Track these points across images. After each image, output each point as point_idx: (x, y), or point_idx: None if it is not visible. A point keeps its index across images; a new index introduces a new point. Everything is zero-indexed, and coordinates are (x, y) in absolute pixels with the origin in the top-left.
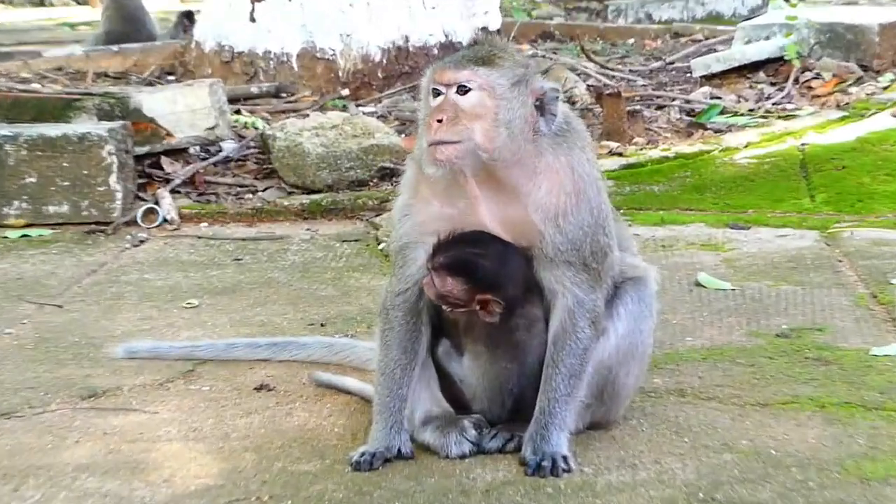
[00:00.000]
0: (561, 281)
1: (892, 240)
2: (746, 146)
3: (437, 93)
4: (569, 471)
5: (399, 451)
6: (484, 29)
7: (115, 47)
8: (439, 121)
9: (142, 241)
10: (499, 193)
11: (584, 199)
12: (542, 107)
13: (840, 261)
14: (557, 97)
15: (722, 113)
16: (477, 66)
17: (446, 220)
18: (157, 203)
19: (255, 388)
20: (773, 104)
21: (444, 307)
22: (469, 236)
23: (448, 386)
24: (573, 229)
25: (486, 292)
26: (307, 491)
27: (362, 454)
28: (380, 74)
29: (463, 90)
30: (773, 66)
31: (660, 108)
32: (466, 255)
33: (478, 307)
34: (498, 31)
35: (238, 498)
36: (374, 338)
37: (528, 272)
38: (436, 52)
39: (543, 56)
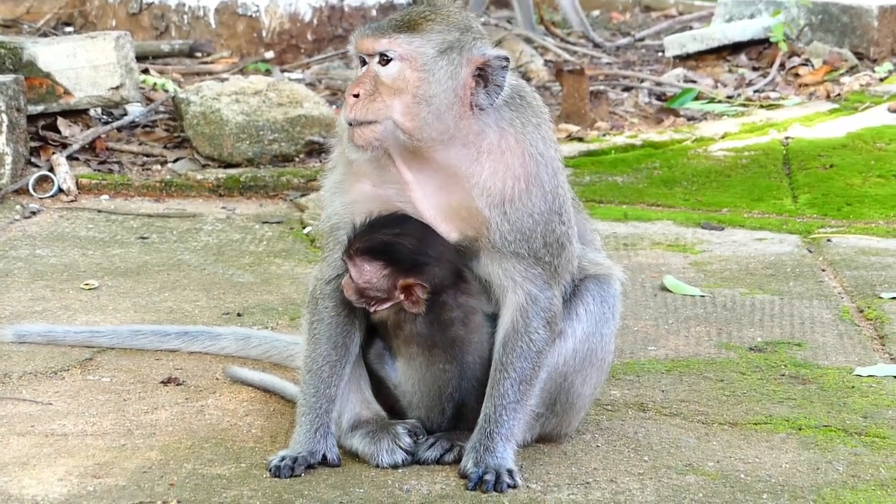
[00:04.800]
0: (511, 275)
1: (882, 249)
2: (723, 137)
3: (363, 62)
4: (514, 486)
5: (324, 456)
6: None
7: None
8: (356, 96)
9: (34, 213)
10: (436, 176)
11: (535, 182)
12: (484, 77)
13: (823, 270)
14: (504, 66)
15: (696, 98)
16: (398, 33)
17: (380, 202)
18: (51, 170)
19: (163, 382)
20: (755, 91)
21: (368, 308)
22: (385, 220)
23: (381, 391)
24: (522, 216)
25: (407, 276)
26: (220, 497)
27: (283, 458)
28: (309, 36)
29: (384, 60)
30: (757, 48)
31: (626, 89)
32: (381, 236)
33: (401, 296)
34: None
35: (142, 501)
36: (300, 331)
37: (457, 256)
38: (374, 13)
39: (496, 25)
